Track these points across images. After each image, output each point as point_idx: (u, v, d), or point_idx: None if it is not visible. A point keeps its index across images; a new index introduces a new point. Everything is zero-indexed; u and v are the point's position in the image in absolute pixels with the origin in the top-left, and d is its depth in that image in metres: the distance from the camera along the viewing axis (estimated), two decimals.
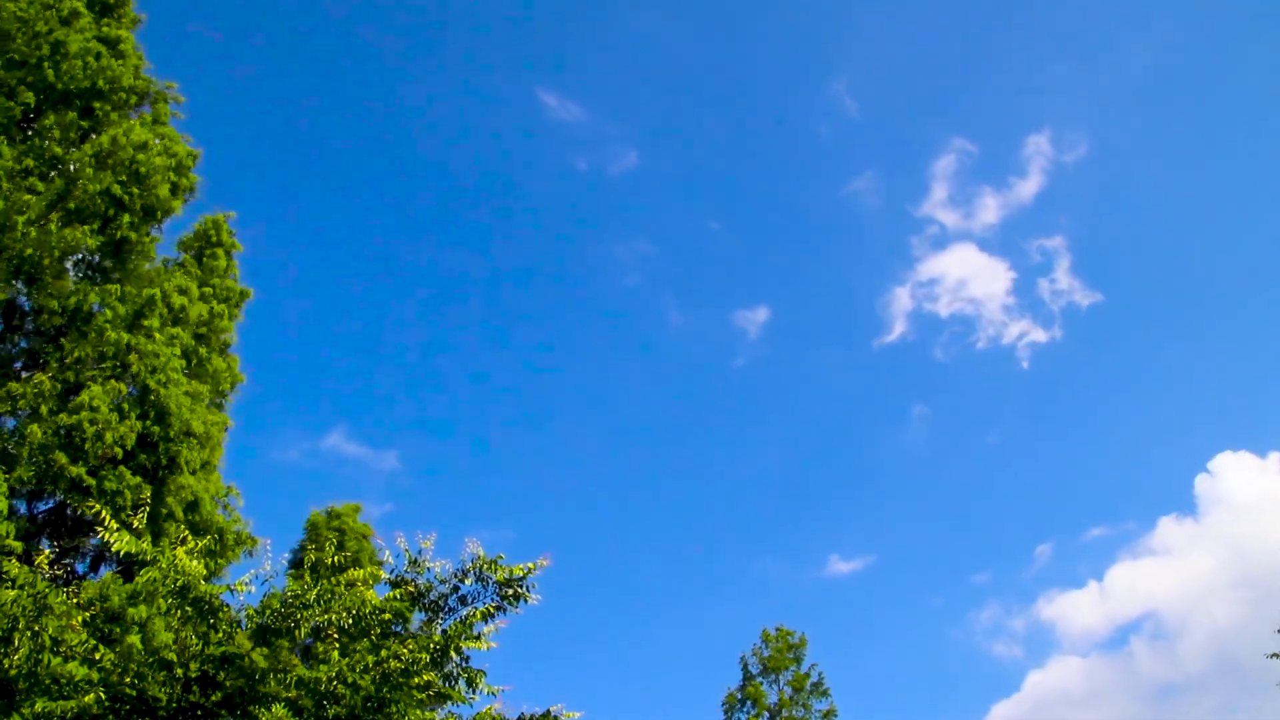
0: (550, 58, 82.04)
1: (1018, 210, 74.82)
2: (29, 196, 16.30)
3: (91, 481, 15.09)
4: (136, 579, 11.08)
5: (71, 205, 17.06)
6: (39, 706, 9.89)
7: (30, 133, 17.71)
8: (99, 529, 10.78)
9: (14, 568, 10.18)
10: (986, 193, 76.62)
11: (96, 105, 18.50)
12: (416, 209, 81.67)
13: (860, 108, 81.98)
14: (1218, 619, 56.44)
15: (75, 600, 11.97)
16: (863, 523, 73.22)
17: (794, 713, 34.64)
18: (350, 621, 11.27)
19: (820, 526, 73.42)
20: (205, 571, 11.19)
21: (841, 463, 78.11)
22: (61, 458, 14.84)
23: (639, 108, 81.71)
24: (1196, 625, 59.02)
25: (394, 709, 10.96)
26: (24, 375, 16.44)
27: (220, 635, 11.06)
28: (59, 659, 10.04)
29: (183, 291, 17.91)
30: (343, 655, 11.75)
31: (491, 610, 11.80)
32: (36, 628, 9.92)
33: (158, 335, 16.72)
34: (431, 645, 11.34)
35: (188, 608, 10.93)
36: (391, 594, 12.02)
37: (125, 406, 15.97)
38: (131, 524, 11.30)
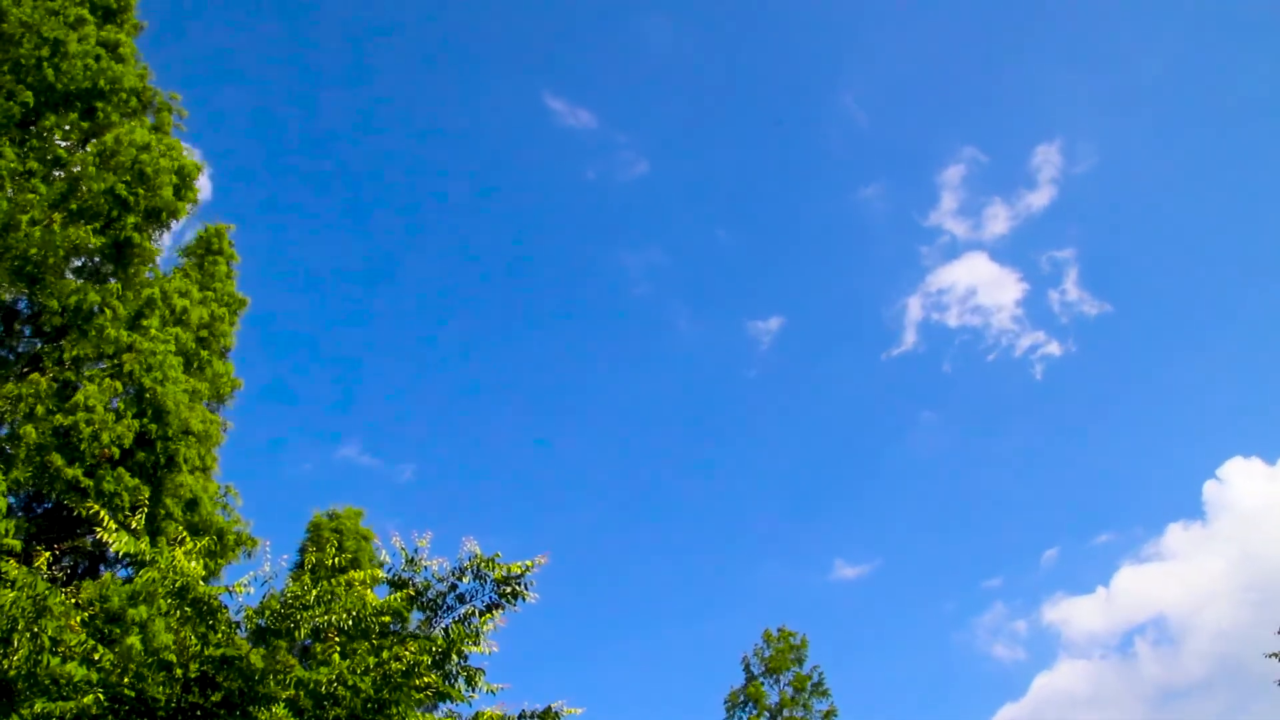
0: (560, 66, 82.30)
1: (1028, 220, 74.89)
2: (32, 196, 16.34)
3: (89, 482, 15.09)
4: (135, 579, 11.11)
5: (74, 206, 17.10)
6: (38, 707, 9.90)
7: (30, 133, 17.75)
8: (97, 529, 10.80)
9: (13, 568, 10.19)
10: (996, 202, 76.70)
11: (98, 106, 18.55)
12: (424, 215, 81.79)
13: (870, 117, 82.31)
14: (1223, 623, 56.52)
15: (74, 601, 11.99)
16: (868, 528, 73.33)
17: (795, 713, 34.62)
18: (350, 623, 11.29)
19: (825, 532, 73.55)
20: (204, 572, 11.21)
21: (848, 469, 78.32)
22: (58, 459, 14.85)
23: (649, 117, 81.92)
24: (1202, 629, 59.10)
25: (394, 710, 10.98)
26: (24, 373, 16.46)
27: (220, 636, 11.07)
28: (58, 660, 10.05)
29: (184, 294, 17.95)
30: (343, 657, 11.77)
31: (491, 611, 11.82)
32: (36, 628, 9.93)
33: (156, 334, 16.74)
34: (433, 646, 11.36)
35: (187, 608, 10.95)
36: (391, 595, 12.04)
37: (122, 405, 15.99)
38: (129, 524, 11.31)
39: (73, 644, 10.29)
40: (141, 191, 17.71)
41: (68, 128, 18.14)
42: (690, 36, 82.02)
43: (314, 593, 11.25)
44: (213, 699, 10.72)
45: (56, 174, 17.76)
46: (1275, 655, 19.61)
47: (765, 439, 77.95)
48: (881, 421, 78.59)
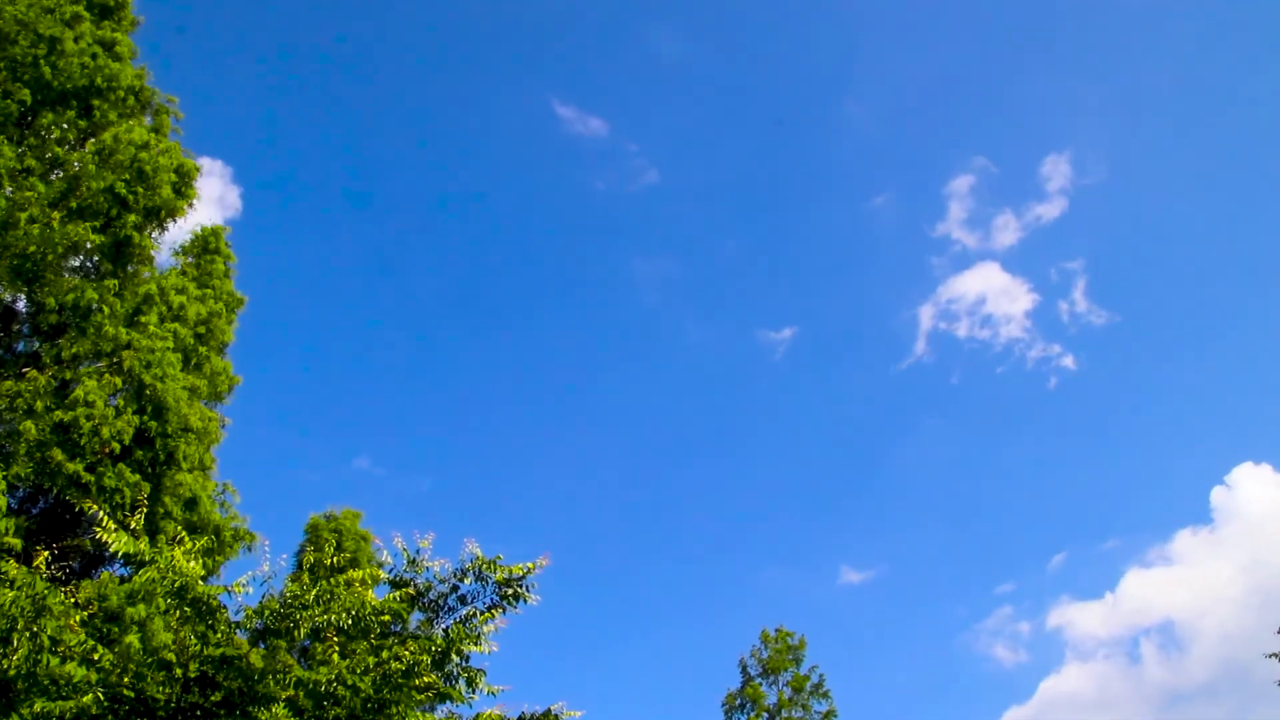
0: (570, 74, 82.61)
1: (1037, 230, 75.15)
2: (30, 194, 16.29)
3: (90, 478, 15.06)
4: (134, 579, 11.06)
5: (74, 204, 17.06)
6: (38, 707, 9.87)
7: (28, 131, 17.68)
8: (97, 529, 10.76)
9: (12, 568, 10.15)
10: (1006, 212, 77.02)
11: (95, 104, 18.49)
12: (433, 221, 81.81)
13: (879, 126, 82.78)
14: (1229, 628, 56.79)
15: (73, 600, 11.94)
16: (874, 534, 73.50)
17: (793, 713, 34.60)
18: (350, 622, 11.25)
19: (832, 537, 73.71)
20: (203, 571, 11.17)
21: (856, 476, 78.51)
22: (59, 454, 14.81)
23: (659, 125, 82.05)
24: (1208, 634, 59.38)
25: (394, 710, 10.95)
26: (23, 372, 16.40)
27: (219, 636, 11.03)
28: (58, 659, 10.01)
29: (181, 291, 17.91)
30: (342, 657, 11.74)
31: (492, 612, 11.79)
32: (35, 628, 9.89)
33: (154, 330, 16.68)
34: (433, 647, 11.33)
35: (186, 608, 10.91)
36: (391, 595, 12.01)
37: (122, 402, 15.95)
38: (128, 523, 11.26)
39: (72, 644, 10.25)
40: (141, 190, 17.66)
41: (65, 126, 18.08)
42: (700, 46, 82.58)
43: (313, 592, 11.22)
44: (212, 699, 10.68)
45: (55, 173, 17.71)
46: (1275, 656, 19.65)
47: (774, 446, 78.39)
48: (890, 429, 78.90)
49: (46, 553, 11.43)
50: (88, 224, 16.79)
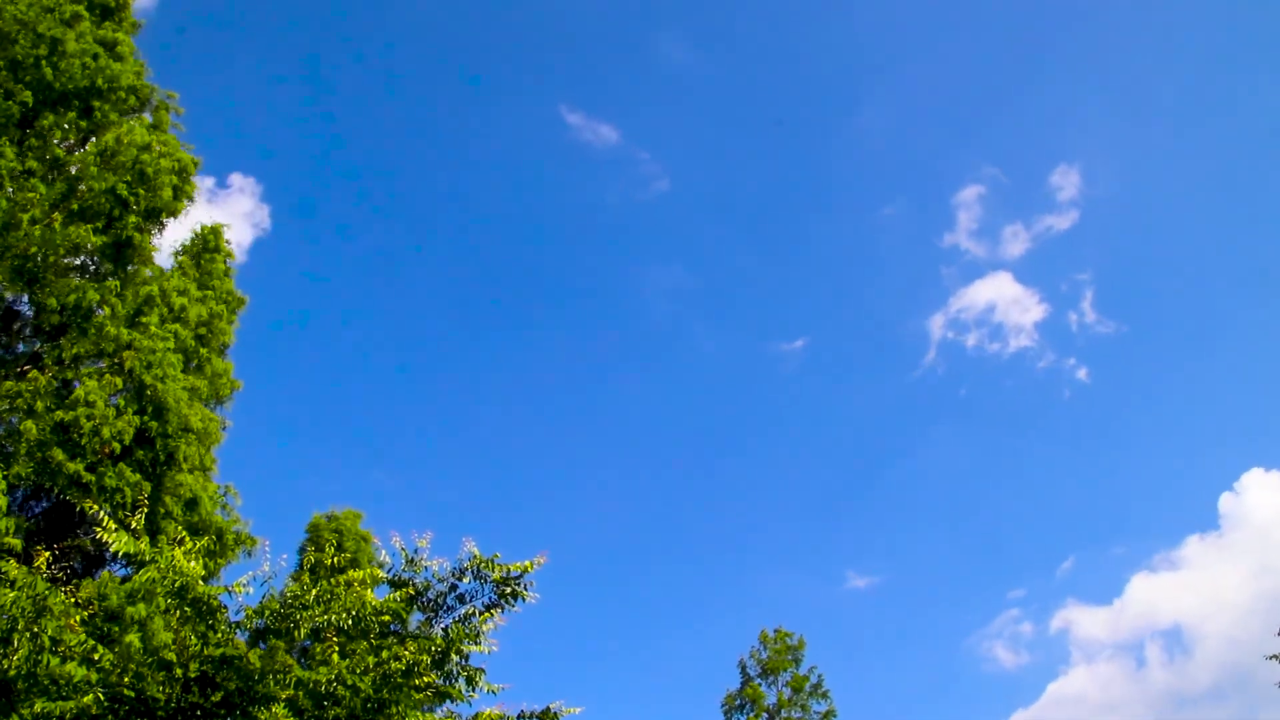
0: (581, 82, 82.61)
1: (1046, 240, 75.25)
2: (32, 195, 16.33)
3: (90, 478, 15.09)
4: (135, 578, 11.10)
5: (75, 205, 17.10)
6: (38, 707, 9.88)
7: (29, 132, 17.72)
8: (97, 529, 10.79)
9: (12, 568, 10.18)
10: (1016, 223, 77.18)
11: (96, 105, 18.53)
12: (441, 228, 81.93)
13: (890, 135, 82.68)
14: (1235, 632, 56.93)
15: (74, 600, 11.96)
16: (882, 540, 73.60)
17: (792, 714, 34.63)
18: (350, 622, 11.28)
19: (839, 543, 73.78)
20: (204, 572, 11.20)
21: (864, 482, 78.55)
22: (59, 454, 14.84)
23: (670, 134, 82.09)
24: (1214, 638, 59.55)
25: (394, 709, 10.97)
26: (23, 372, 16.44)
27: (219, 636, 11.06)
28: (58, 659, 10.04)
29: (182, 292, 17.94)
30: (342, 657, 11.77)
31: (491, 611, 11.82)
32: (36, 628, 9.92)
33: (155, 331, 16.72)
34: (433, 646, 11.36)
35: (186, 608, 10.94)
36: (391, 595, 12.04)
37: (123, 402, 15.99)
38: (129, 524, 11.30)
39: (72, 644, 10.28)
40: (142, 192, 17.70)
41: (66, 127, 18.12)
42: (710, 54, 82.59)
43: (313, 592, 11.24)
44: (212, 699, 10.70)
45: (56, 174, 17.75)
46: (1275, 657, 19.65)
47: (783, 454, 78.56)
48: (900, 437, 78.99)
49: (47, 553, 11.45)
50: (89, 225, 16.84)
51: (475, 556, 11.91)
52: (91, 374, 16.05)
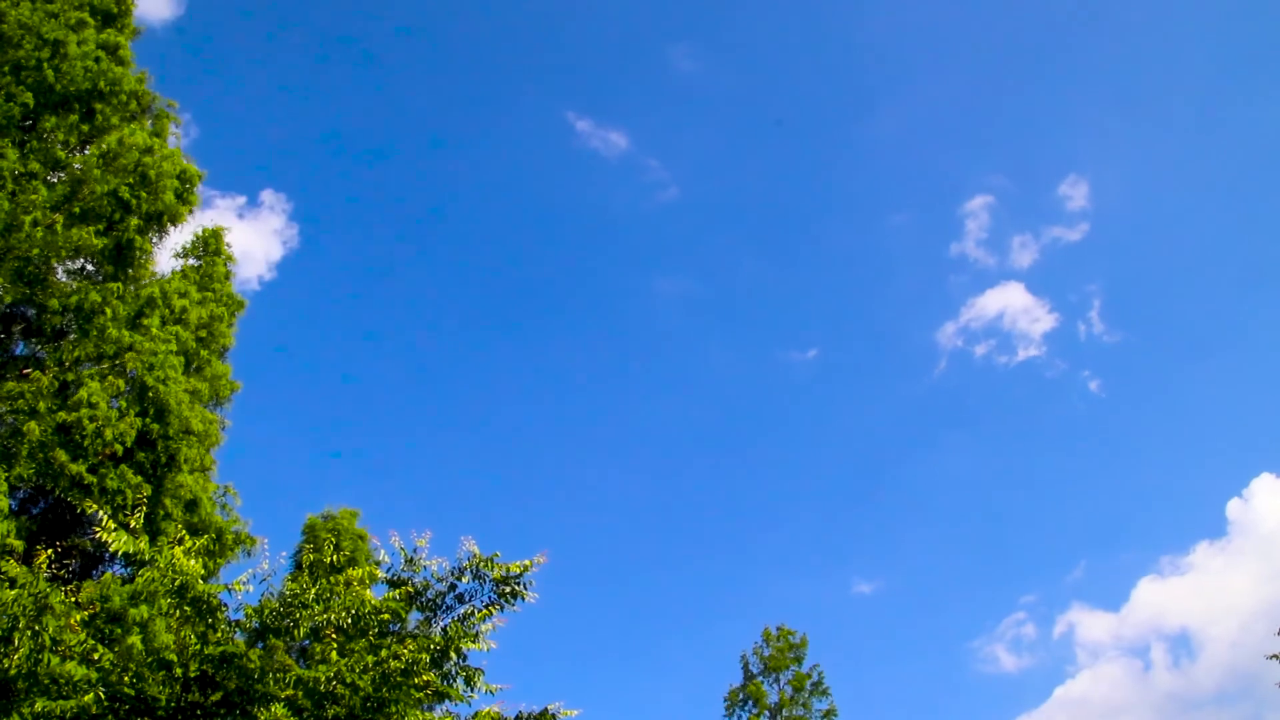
0: (591, 89, 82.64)
1: (1055, 251, 75.23)
2: (34, 197, 16.41)
3: (92, 479, 15.16)
4: (136, 579, 11.16)
5: (76, 208, 17.17)
6: (39, 706, 9.94)
7: (31, 135, 17.81)
8: (97, 529, 10.85)
9: (13, 568, 10.25)
10: (1025, 233, 77.14)
11: (97, 108, 18.60)
12: (448, 235, 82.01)
13: (899, 144, 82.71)
14: (1241, 637, 57.02)
15: (74, 600, 12.04)
16: (890, 546, 73.53)
17: (794, 712, 34.66)
18: (349, 621, 11.32)
19: (845, 549, 73.77)
20: (203, 571, 11.25)
21: (872, 490, 78.53)
22: (62, 455, 14.91)
23: (680, 143, 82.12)
24: (1220, 642, 59.64)
25: (393, 709, 11.01)
26: (24, 374, 16.52)
27: (219, 635, 11.11)
28: (58, 659, 10.10)
29: (183, 295, 18.01)
30: (341, 655, 11.81)
31: (489, 609, 11.85)
32: (36, 627, 9.97)
33: (156, 333, 16.78)
34: (431, 645, 11.39)
35: (186, 608, 11.00)
36: (390, 594, 12.08)
37: (124, 404, 16.06)
38: (129, 524, 11.36)
39: (73, 643, 10.33)
40: (144, 194, 17.78)
41: (68, 129, 18.20)
42: (719, 64, 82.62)
43: (312, 591, 11.29)
44: (212, 698, 10.76)
45: (58, 176, 17.83)
46: (1275, 657, 19.68)
47: (792, 461, 78.48)
48: (909, 445, 78.84)
49: (48, 552, 11.51)
50: (90, 227, 16.91)
51: (474, 556, 11.91)
52: (93, 376, 16.11)
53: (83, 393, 15.52)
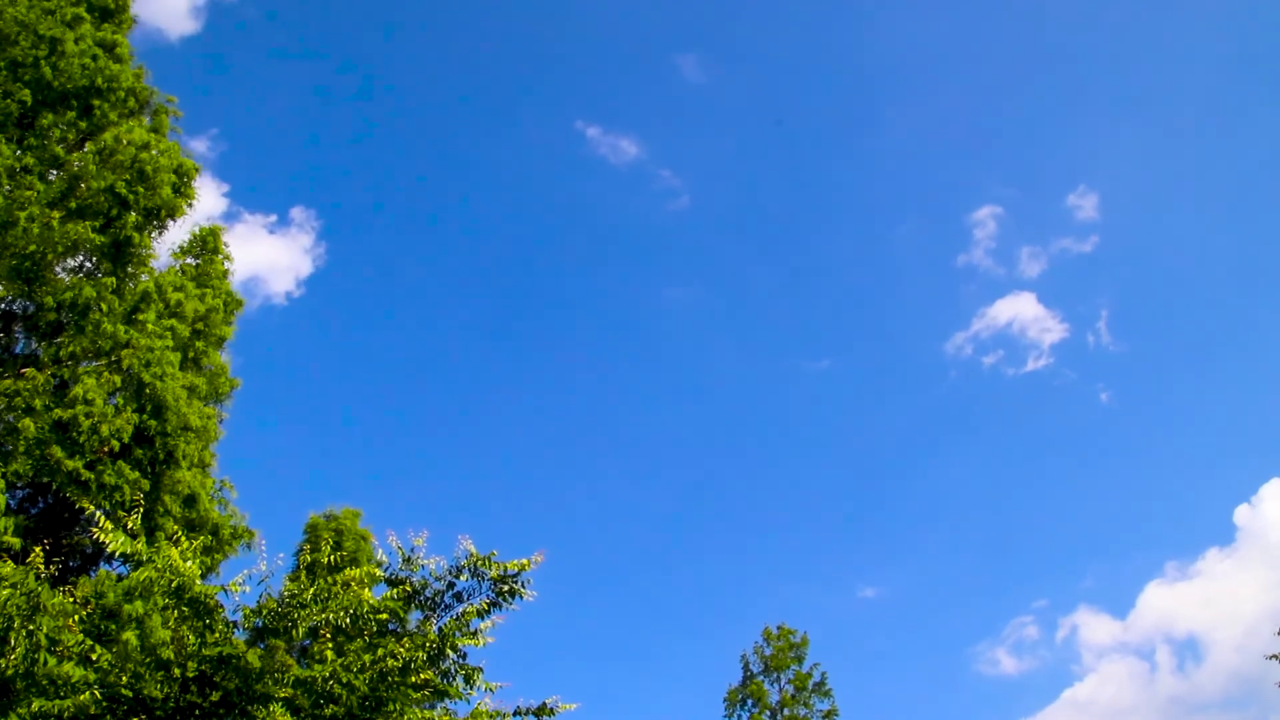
0: (601, 98, 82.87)
1: (1063, 261, 75.39)
2: (30, 193, 16.36)
3: (89, 476, 15.10)
4: (131, 575, 11.11)
5: (74, 204, 17.12)
6: (35, 706, 9.89)
7: (28, 131, 17.76)
8: (94, 529, 10.79)
9: (8, 567, 10.18)
10: (1034, 243, 77.43)
11: (95, 105, 18.57)
12: (456, 243, 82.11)
13: (908, 154, 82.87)
14: (1247, 642, 57.17)
15: (71, 598, 11.97)
16: (895, 553, 73.65)
17: (795, 711, 34.62)
18: (348, 621, 11.27)
19: (853, 556, 73.88)
20: (200, 570, 11.20)
21: (881, 497, 78.62)
22: (58, 451, 14.86)
23: (691, 152, 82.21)
24: (1225, 647, 59.84)
25: (391, 707, 10.98)
26: (21, 371, 16.47)
27: (217, 635, 11.06)
28: (55, 659, 10.04)
29: (179, 288, 17.95)
30: (338, 655, 11.77)
31: (487, 607, 11.81)
32: (32, 627, 9.92)
33: (152, 328, 16.72)
34: (428, 643, 11.36)
35: (184, 607, 10.95)
36: (388, 593, 12.04)
37: (121, 400, 16.01)
38: (126, 523, 11.31)
39: (70, 643, 10.28)
40: (141, 190, 17.71)
41: (65, 126, 18.16)
42: (728, 73, 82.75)
43: (311, 591, 11.24)
44: (211, 698, 10.71)
45: (55, 173, 17.78)
46: (1275, 657, 19.73)
47: (801, 468, 78.74)
48: (919, 454, 78.97)
49: (38, 549, 11.42)
50: (88, 223, 16.86)
51: (472, 554, 11.88)
52: (90, 372, 16.06)
53: (79, 389, 15.46)
